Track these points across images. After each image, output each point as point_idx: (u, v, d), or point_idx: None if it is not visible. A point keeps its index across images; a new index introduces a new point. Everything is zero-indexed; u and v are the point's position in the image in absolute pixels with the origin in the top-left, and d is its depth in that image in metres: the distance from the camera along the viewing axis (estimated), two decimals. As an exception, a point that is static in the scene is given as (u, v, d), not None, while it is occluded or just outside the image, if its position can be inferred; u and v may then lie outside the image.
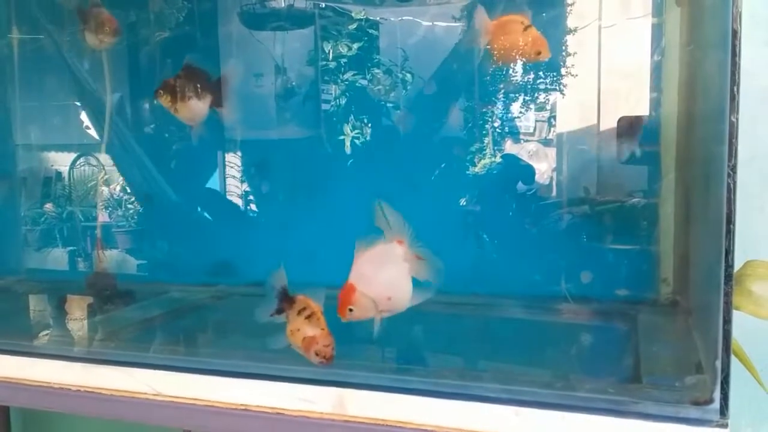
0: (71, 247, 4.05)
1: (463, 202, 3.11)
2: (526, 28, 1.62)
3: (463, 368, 1.48)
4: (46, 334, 1.87)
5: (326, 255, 2.37)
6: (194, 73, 1.83)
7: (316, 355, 1.39)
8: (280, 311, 1.44)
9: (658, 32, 1.86)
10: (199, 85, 1.81)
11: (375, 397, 1.31)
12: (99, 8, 2.15)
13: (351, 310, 1.37)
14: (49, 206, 4.35)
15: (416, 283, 1.38)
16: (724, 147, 1.01)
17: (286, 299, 1.45)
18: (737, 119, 1.01)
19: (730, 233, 1.02)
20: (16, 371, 1.53)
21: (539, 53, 1.63)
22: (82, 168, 4.46)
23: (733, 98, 1.00)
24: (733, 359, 1.55)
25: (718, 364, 1.08)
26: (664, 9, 1.80)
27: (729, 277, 1.02)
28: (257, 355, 1.50)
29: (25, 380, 1.51)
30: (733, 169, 1.02)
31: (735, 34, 0.98)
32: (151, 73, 3.27)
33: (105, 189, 4.02)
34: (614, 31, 2.59)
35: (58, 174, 4.52)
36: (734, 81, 1.00)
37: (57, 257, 3.83)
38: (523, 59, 1.66)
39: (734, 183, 1.02)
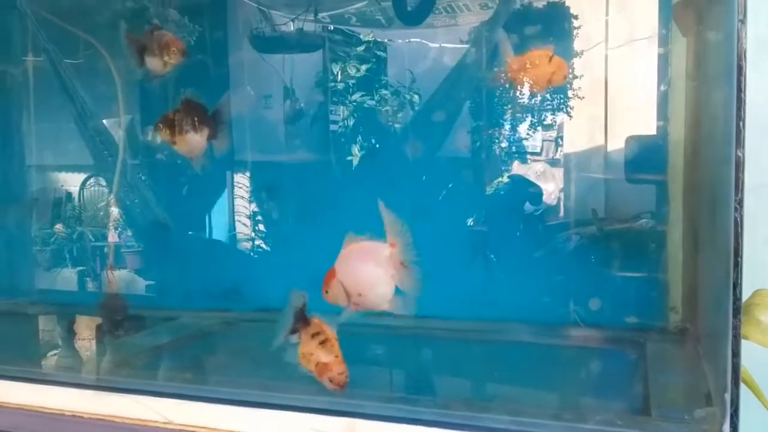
0: (81, 268, 4.08)
1: (470, 222, 3.12)
2: (550, 59, 1.66)
3: (472, 398, 1.48)
4: (59, 361, 1.89)
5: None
6: (192, 107, 1.86)
7: (330, 381, 1.40)
8: (294, 331, 1.45)
9: (664, 62, 1.89)
10: (196, 119, 1.84)
11: (385, 427, 1.31)
12: (160, 30, 2.15)
13: (326, 292, 1.43)
14: (59, 227, 4.38)
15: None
16: (730, 181, 1.02)
17: (302, 319, 1.46)
18: (743, 154, 1.02)
19: (738, 266, 1.03)
20: (30, 398, 1.54)
21: (564, 77, 1.68)
22: (93, 189, 4.50)
23: (739, 133, 1.01)
24: (743, 387, 1.55)
25: (728, 397, 1.08)
26: (670, 39, 1.82)
27: (737, 310, 1.03)
28: (267, 383, 1.51)
29: (39, 407, 1.53)
30: (740, 203, 1.03)
31: (740, 70, 1.00)
32: (162, 97, 3.31)
33: (115, 210, 4.06)
34: (622, 57, 2.62)
35: (69, 195, 4.56)
36: (740, 116, 1.01)
37: (68, 278, 3.86)
38: (549, 86, 1.71)
39: (741, 217, 1.03)
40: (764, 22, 1.68)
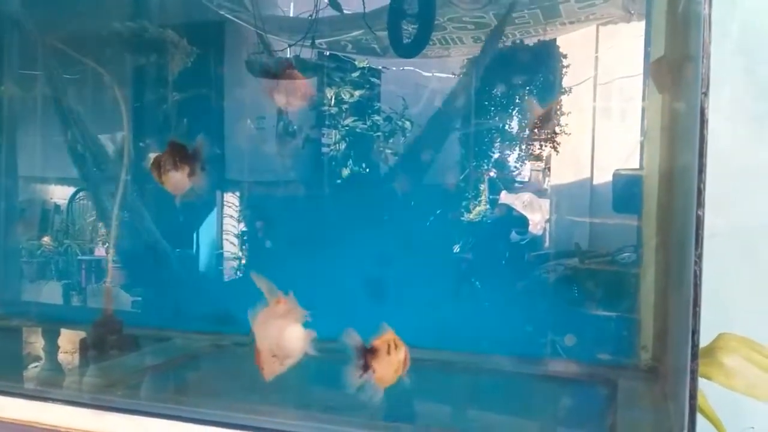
0: (66, 281, 4.09)
1: (456, 250, 3.19)
2: None
3: (449, 426, 1.55)
4: (52, 377, 1.94)
5: (325, 304, 2.45)
6: (176, 149, 1.96)
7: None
8: (366, 368, 1.52)
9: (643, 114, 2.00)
10: (178, 160, 1.93)
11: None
12: (292, 70, 2.21)
13: (263, 369, 1.51)
14: (47, 239, 4.38)
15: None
16: (692, 237, 1.11)
17: (368, 351, 1.54)
18: (703, 213, 1.11)
19: (696, 315, 1.11)
20: (27, 414, 1.59)
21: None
22: (82, 202, 4.51)
23: (700, 194, 1.11)
24: (709, 425, 1.64)
25: (684, 435, 1.16)
26: (646, 95, 1.92)
27: (695, 355, 1.11)
28: (258, 407, 1.57)
29: (35, 423, 1.57)
30: (699, 257, 1.12)
31: (702, 138, 1.09)
32: (161, 120, 3.37)
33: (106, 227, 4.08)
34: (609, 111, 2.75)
35: (57, 207, 4.57)
36: (701, 179, 1.11)
37: (53, 292, 3.88)
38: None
39: (700, 269, 1.12)
40: (740, 81, 1.80)
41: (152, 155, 2.02)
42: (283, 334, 1.51)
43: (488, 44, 3.14)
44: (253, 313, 1.54)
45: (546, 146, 3.00)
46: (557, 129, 2.88)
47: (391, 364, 1.52)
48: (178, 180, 1.90)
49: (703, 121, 1.06)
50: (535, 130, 1.94)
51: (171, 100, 3.37)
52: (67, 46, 3.05)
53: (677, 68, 1.48)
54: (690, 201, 1.10)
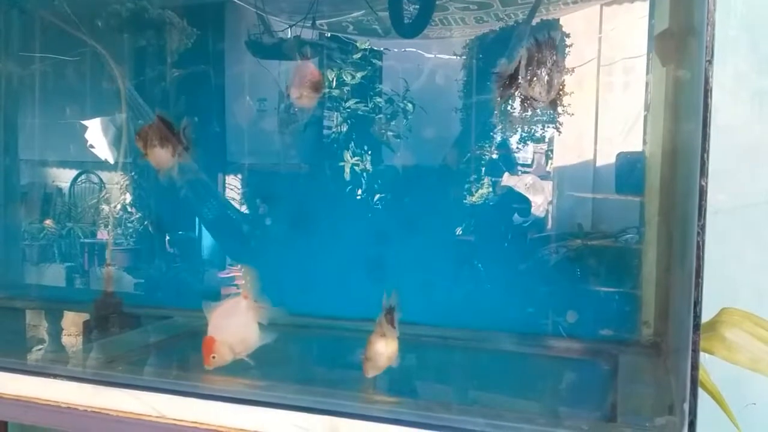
0: (70, 264, 4.10)
1: (459, 232, 3.19)
2: None
3: (451, 402, 1.55)
4: (53, 355, 1.95)
5: (325, 283, 2.46)
6: (163, 124, 1.98)
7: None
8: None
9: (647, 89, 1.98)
10: (164, 137, 1.95)
11: (367, 426, 1.38)
12: (306, 60, 2.22)
13: (213, 357, 1.58)
14: (49, 222, 4.39)
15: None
16: (695, 207, 1.10)
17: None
18: (706, 183, 1.10)
19: (698, 286, 1.11)
20: (26, 390, 1.60)
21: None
22: (83, 185, 4.52)
23: (703, 164, 1.09)
24: (711, 401, 1.64)
25: (686, 406, 1.16)
26: (651, 68, 1.91)
27: (697, 326, 1.11)
28: (254, 382, 1.58)
29: (36, 398, 1.58)
30: (702, 228, 1.11)
31: (706, 107, 1.08)
32: (164, 96, 3.36)
33: (106, 208, 4.08)
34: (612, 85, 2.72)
35: (59, 190, 4.57)
36: (704, 149, 1.09)
37: (56, 274, 3.89)
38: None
39: (703, 241, 1.11)
40: (743, 57, 1.78)
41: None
42: (248, 330, 1.62)
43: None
44: (211, 305, 1.63)
45: (549, 127, 2.98)
46: (560, 110, 2.85)
47: (380, 356, 1.57)
48: (162, 156, 1.93)
49: (708, 90, 1.04)
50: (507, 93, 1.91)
51: (170, 81, 3.36)
52: (67, 26, 3.03)
53: (681, 40, 1.47)
54: (693, 171, 1.09)
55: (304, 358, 1.87)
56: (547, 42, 1.76)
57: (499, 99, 1.97)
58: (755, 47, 1.85)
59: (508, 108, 3.15)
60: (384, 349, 1.56)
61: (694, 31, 1.20)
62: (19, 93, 3.36)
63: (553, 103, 1.83)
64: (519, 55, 1.81)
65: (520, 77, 1.83)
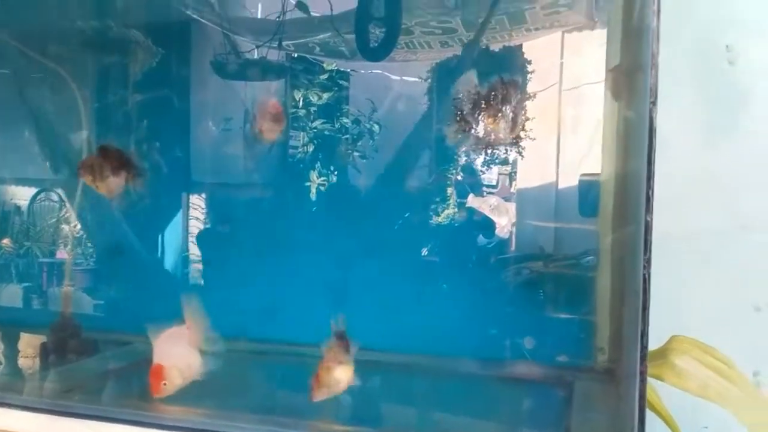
0: (27, 284, 4.01)
1: (422, 255, 3.21)
2: None
3: (408, 427, 1.57)
4: (11, 381, 1.91)
5: (288, 309, 2.46)
6: (110, 153, 2.01)
7: None
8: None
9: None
10: (115, 164, 1.99)
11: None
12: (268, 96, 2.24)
13: (165, 384, 1.60)
14: (6, 241, 4.29)
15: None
16: (641, 242, 1.14)
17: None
18: (651, 219, 1.15)
19: (645, 319, 1.15)
20: (-21, 421, 1.56)
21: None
22: (43, 203, 4.43)
23: (648, 200, 1.14)
24: (663, 426, 1.68)
25: (634, 435, 1.20)
26: (604, 102, 1.97)
27: (644, 357, 1.15)
28: (215, 412, 1.57)
29: (-8, 428, 1.55)
30: (648, 261, 1.15)
31: (651, 147, 1.13)
32: (125, 122, 3.33)
33: (66, 227, 4.01)
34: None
35: (17, 209, 4.48)
36: (649, 186, 1.14)
37: (13, 295, 3.80)
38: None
39: (649, 274, 1.15)
40: (688, 93, 1.86)
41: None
42: (192, 357, 1.65)
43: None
44: (157, 330, 1.65)
45: (512, 150, 3.03)
46: (522, 134, 2.91)
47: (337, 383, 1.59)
48: (115, 185, 1.96)
49: (652, 130, 1.09)
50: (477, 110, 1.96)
51: (133, 101, 3.34)
52: (27, 44, 3.00)
53: (630, 77, 1.53)
54: (639, 207, 1.14)
55: (263, 386, 1.86)
56: (512, 80, 1.81)
57: (456, 134, 2.02)
58: (703, 80, 1.93)
59: (472, 131, 3.21)
60: (341, 375, 1.57)
61: (641, 70, 1.25)
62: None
63: (516, 139, 1.89)
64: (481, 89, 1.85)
65: (480, 114, 1.87)
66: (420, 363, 2.04)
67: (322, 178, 3.61)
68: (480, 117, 1.99)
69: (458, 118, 2.00)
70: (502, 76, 1.86)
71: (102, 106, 3.26)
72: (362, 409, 1.73)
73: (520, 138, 2.80)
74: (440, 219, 3.31)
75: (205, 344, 1.66)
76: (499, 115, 1.85)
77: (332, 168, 3.67)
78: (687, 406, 1.73)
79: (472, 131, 2.00)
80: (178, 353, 1.63)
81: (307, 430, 1.51)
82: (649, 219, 1.13)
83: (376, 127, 3.52)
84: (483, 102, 1.91)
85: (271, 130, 2.16)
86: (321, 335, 1.64)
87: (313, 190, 3.54)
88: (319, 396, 1.58)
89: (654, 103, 1.11)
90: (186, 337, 1.66)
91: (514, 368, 1.99)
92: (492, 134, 1.91)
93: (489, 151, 3.20)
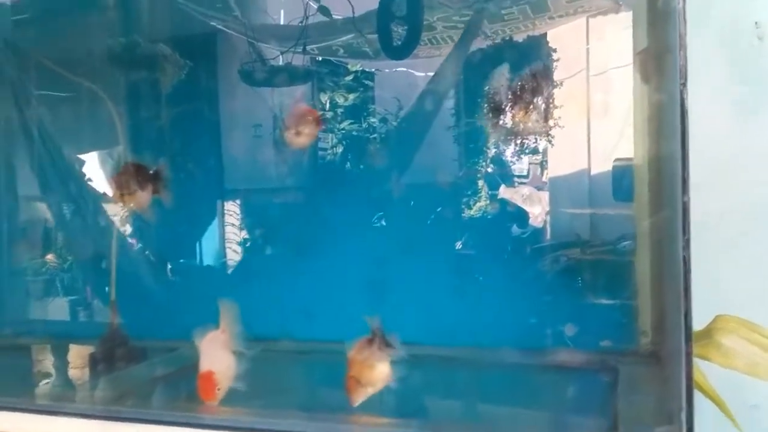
0: (73, 297, 4.12)
1: (457, 248, 3.22)
2: None
3: (456, 418, 1.58)
4: (60, 392, 1.98)
5: (328, 308, 2.49)
6: (136, 169, 2.08)
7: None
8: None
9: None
10: (140, 178, 2.05)
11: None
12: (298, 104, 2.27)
13: (218, 389, 1.64)
14: (50, 257, 4.40)
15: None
16: (679, 223, 1.13)
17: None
18: (688, 200, 1.14)
19: (687, 299, 1.14)
20: (39, 429, 1.62)
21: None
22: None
23: (684, 182, 1.13)
24: (712, 405, 1.67)
25: (683, 416, 1.19)
26: (633, 85, 1.96)
27: (689, 337, 1.14)
28: (263, 411, 1.61)
29: (44, 437, 1.61)
30: (687, 242, 1.15)
31: (684, 129, 1.12)
32: (156, 130, 3.39)
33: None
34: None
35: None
36: (684, 167, 1.14)
37: (60, 308, 3.90)
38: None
39: (689, 256, 1.15)
40: (718, 72, 1.84)
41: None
42: (231, 359, 1.69)
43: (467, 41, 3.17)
44: (201, 334, 1.70)
45: (542, 139, 3.02)
46: (551, 122, 2.90)
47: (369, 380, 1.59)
48: (144, 199, 2.02)
49: (684, 112, 1.09)
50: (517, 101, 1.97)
51: (165, 114, 3.40)
52: (59, 65, 3.08)
53: (659, 59, 1.52)
54: (675, 189, 1.14)
55: (308, 385, 1.90)
56: (542, 71, 1.80)
57: (491, 129, 2.02)
58: (732, 57, 1.91)
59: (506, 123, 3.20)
60: (377, 374, 1.57)
61: (669, 52, 1.25)
62: (16, 133, 3.39)
63: (547, 128, 1.88)
64: (512, 83, 1.85)
65: (512, 107, 1.88)
66: (463, 355, 2.05)
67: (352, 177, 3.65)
68: (513, 109, 1.99)
69: (492, 112, 2.00)
70: (532, 69, 1.85)
71: (135, 122, 3.33)
72: (408, 403, 1.75)
73: (551, 127, 2.79)
74: (473, 212, 3.31)
75: (241, 346, 1.69)
76: (531, 106, 1.85)
77: (361, 167, 3.70)
78: (734, 384, 1.71)
79: (506, 123, 2.00)
80: (221, 357, 1.67)
81: (353, 425, 1.53)
82: (686, 200, 1.13)
83: (403, 125, 3.53)
84: (515, 95, 1.91)
85: (308, 134, 2.18)
86: (362, 333, 1.66)
87: (345, 190, 3.57)
88: (358, 399, 1.56)
89: (684, 84, 1.10)
90: (222, 340, 1.69)
91: (558, 356, 1.99)
92: (525, 125, 1.90)
93: (519, 142, 3.20)
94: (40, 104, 3.37)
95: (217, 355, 1.67)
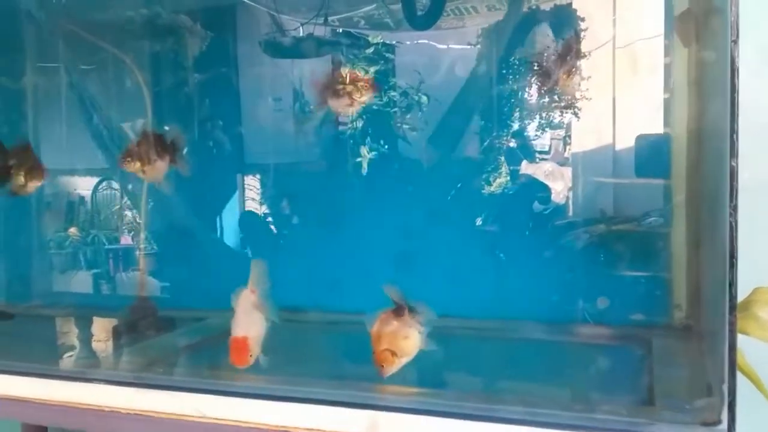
0: (96, 271, 4.15)
1: (479, 223, 3.19)
2: None
3: (487, 391, 1.57)
4: (96, 360, 2.00)
5: (346, 281, 2.48)
6: (153, 138, 2.05)
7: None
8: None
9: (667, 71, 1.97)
10: (159, 148, 2.02)
11: (406, 419, 1.40)
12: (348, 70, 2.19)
13: (251, 356, 1.64)
14: (73, 230, 4.44)
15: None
16: (726, 188, 1.10)
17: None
18: (737, 164, 1.10)
19: (733, 267, 1.11)
20: (70, 395, 1.64)
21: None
22: (105, 192, 4.57)
23: (733, 145, 1.09)
24: (747, 381, 1.64)
25: (725, 388, 1.16)
26: (671, 49, 1.90)
27: (733, 307, 1.11)
28: (294, 379, 1.61)
29: (78, 403, 1.62)
30: (734, 209, 1.11)
31: (733, 88, 1.08)
32: (178, 100, 3.39)
33: (129, 214, 4.13)
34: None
35: (81, 198, 4.63)
36: (733, 130, 1.09)
37: (83, 281, 3.94)
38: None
39: (736, 222, 1.11)
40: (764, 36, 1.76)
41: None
42: (262, 326, 1.70)
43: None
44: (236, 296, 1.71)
45: (566, 113, 2.96)
46: (577, 94, 2.84)
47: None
48: (162, 168, 2.01)
49: (734, 70, 1.04)
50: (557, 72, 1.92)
51: (185, 85, 3.39)
52: (87, 34, 3.07)
53: (703, 20, 1.46)
54: (723, 152, 1.09)
55: (336, 355, 1.89)
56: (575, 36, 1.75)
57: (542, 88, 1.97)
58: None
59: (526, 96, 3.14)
60: (406, 345, 1.55)
61: (717, 11, 1.20)
62: (40, 102, 3.40)
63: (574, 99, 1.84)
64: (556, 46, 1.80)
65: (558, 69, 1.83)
66: (493, 328, 2.04)
67: (373, 153, 3.61)
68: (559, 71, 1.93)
69: (539, 75, 1.96)
70: (576, 31, 1.80)
71: (156, 92, 3.32)
72: (440, 374, 1.74)
73: (577, 99, 2.74)
74: (494, 188, 3.27)
75: (272, 315, 1.68)
76: (574, 69, 1.81)
77: (382, 142, 3.67)
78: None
79: (552, 87, 1.95)
80: (253, 320, 1.67)
81: (389, 394, 1.52)
82: (734, 164, 1.09)
83: (424, 98, 3.49)
84: (561, 57, 1.85)
85: (361, 102, 2.08)
86: (387, 304, 1.64)
87: (365, 165, 3.54)
88: (392, 370, 1.54)
89: (735, 41, 1.06)
90: (252, 300, 1.69)
91: (593, 330, 1.96)
92: (566, 90, 1.86)
93: (544, 115, 3.14)
94: (71, 73, 3.38)
95: (249, 319, 1.66)
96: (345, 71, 2.09)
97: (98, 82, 3.36)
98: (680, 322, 1.82)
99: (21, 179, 2.15)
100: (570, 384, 1.66)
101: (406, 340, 1.56)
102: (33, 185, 2.15)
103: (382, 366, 1.54)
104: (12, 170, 2.13)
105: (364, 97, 2.04)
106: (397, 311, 1.59)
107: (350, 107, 2.09)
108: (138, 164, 2.09)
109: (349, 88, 2.05)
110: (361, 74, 2.04)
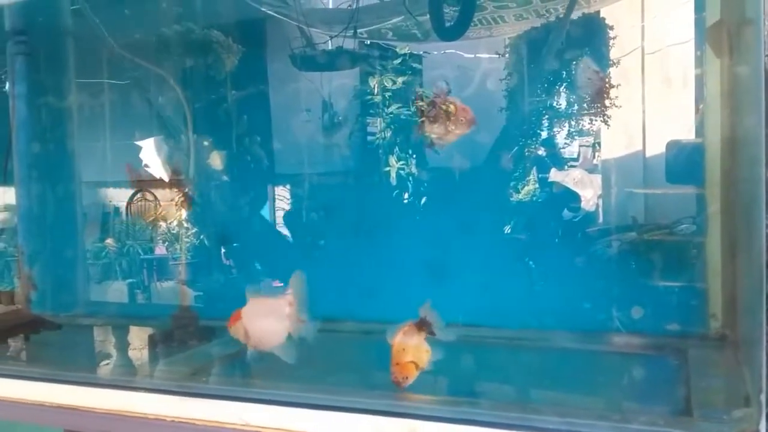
0: (131, 281, 4.25)
1: (507, 231, 3.20)
2: None
3: (524, 401, 1.58)
4: (140, 369, 2.06)
5: (388, 290, 2.51)
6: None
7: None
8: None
9: (700, 82, 1.97)
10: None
11: (444, 428, 1.42)
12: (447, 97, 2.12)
13: (230, 327, 1.69)
14: (110, 241, 4.54)
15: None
16: (761, 199, 1.10)
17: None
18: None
19: (769, 277, 1.11)
20: (116, 404, 1.69)
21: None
22: (139, 203, 4.67)
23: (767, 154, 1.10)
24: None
25: (763, 398, 1.16)
26: (703, 60, 1.90)
27: (772, 317, 1.11)
28: (333, 388, 1.64)
29: (124, 412, 1.67)
30: (771, 217, 1.11)
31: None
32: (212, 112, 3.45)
33: (163, 224, 4.22)
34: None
35: (116, 210, 4.73)
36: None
37: (119, 291, 4.03)
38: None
39: (773, 230, 1.12)
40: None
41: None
42: (277, 334, 1.67)
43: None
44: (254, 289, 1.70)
45: (596, 120, 2.97)
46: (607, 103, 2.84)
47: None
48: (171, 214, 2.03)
49: (768, 83, 1.05)
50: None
51: (217, 99, 3.45)
52: (124, 51, 3.15)
53: (735, 32, 1.47)
54: (757, 163, 1.10)
55: (374, 364, 1.92)
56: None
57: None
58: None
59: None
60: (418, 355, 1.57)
61: (750, 23, 1.21)
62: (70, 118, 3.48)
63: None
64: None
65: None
66: (527, 338, 2.04)
67: (401, 162, 3.65)
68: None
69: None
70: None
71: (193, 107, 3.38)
72: (469, 383, 1.76)
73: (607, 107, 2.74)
74: (523, 196, 3.28)
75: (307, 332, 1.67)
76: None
77: (410, 152, 3.70)
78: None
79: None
80: (262, 325, 1.66)
81: (428, 403, 1.54)
82: (769, 173, 1.09)
83: (452, 108, 3.51)
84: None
85: (457, 134, 2.01)
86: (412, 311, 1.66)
87: (393, 175, 3.58)
88: (411, 381, 1.56)
89: (768, 55, 1.07)
90: (283, 315, 1.65)
91: (629, 340, 1.96)
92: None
93: (573, 123, 3.15)
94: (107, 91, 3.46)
95: (262, 316, 1.68)
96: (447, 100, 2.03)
97: (128, 98, 3.45)
98: (716, 332, 1.81)
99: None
100: (606, 394, 1.67)
101: (427, 353, 1.59)
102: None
103: (406, 377, 1.58)
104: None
105: (459, 131, 1.97)
106: (420, 324, 1.61)
107: (445, 136, 2.00)
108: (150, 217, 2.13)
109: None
110: (459, 103, 1.98)
